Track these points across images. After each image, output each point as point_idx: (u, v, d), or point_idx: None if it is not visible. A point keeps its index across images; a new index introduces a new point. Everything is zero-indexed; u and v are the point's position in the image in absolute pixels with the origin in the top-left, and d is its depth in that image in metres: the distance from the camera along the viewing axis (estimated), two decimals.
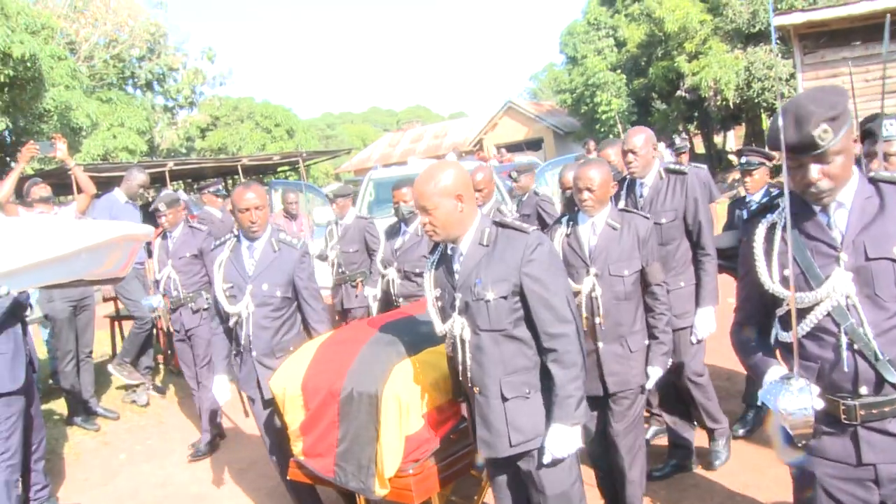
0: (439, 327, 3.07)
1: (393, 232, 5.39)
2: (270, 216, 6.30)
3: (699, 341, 4.45)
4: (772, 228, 2.32)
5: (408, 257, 5.16)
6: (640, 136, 4.35)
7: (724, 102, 21.06)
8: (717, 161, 24.59)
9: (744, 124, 24.67)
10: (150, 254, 6.50)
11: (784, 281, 2.22)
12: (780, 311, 2.32)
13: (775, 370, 2.28)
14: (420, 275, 4.75)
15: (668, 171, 4.43)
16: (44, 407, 6.67)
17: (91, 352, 6.54)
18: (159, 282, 5.98)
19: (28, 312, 5.01)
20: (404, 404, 3.40)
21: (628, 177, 4.53)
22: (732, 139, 29.73)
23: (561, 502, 2.94)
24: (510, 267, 2.83)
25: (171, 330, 6.14)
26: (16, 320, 4.37)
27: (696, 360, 4.49)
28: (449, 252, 3.03)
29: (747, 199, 5.04)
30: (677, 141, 8.55)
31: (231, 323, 4.15)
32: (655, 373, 3.79)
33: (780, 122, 2.08)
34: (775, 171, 6.52)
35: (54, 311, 6.17)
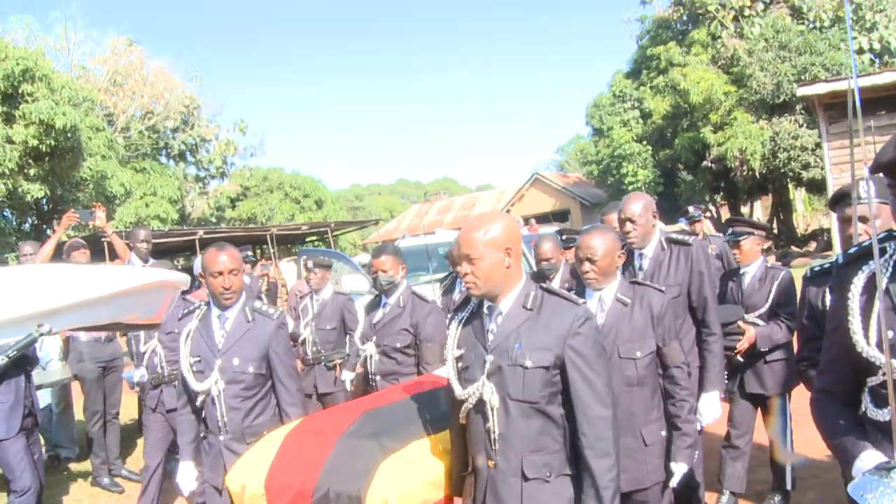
0: (459, 391, 2.75)
1: (373, 306, 4.79)
2: (296, 283, 6.31)
3: (700, 430, 3.98)
4: (872, 279, 1.90)
5: (388, 331, 4.54)
6: (639, 203, 3.94)
7: (750, 172, 21.14)
8: None
9: (770, 194, 24.66)
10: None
11: (881, 345, 1.82)
12: (872, 381, 1.93)
13: (870, 456, 1.83)
14: (400, 350, 4.43)
15: (671, 241, 4.05)
16: (73, 466, 6.67)
17: (118, 413, 6.55)
18: (144, 354, 5.49)
19: (38, 366, 5.12)
20: None
21: (626, 247, 4.13)
22: (759, 209, 29.69)
23: None
24: (555, 337, 2.59)
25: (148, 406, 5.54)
26: (19, 371, 4.57)
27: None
28: (485, 311, 2.75)
29: (741, 271, 4.78)
30: (690, 210, 8.39)
31: (198, 402, 3.68)
32: (680, 469, 3.32)
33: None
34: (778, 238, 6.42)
35: (83, 372, 6.21)
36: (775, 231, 23.87)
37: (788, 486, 4.57)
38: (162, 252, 14.21)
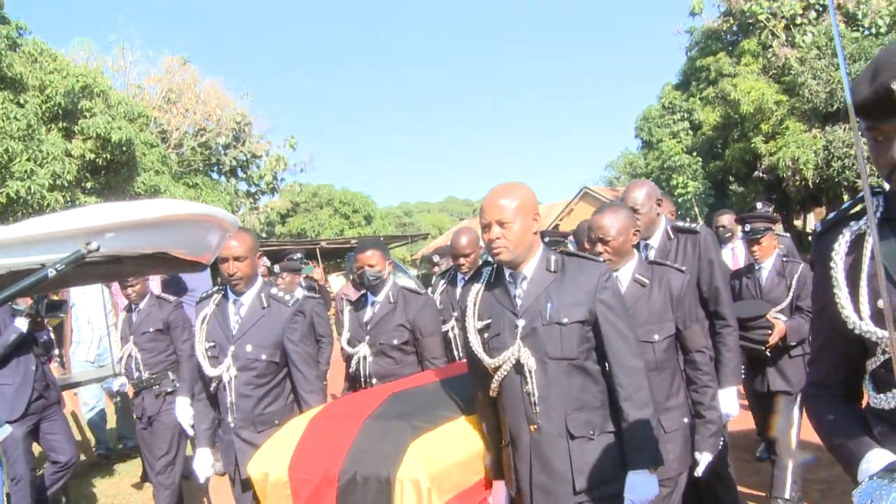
0: (489, 360, 2.75)
1: (359, 305, 4.49)
2: (329, 281, 6.37)
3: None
4: (858, 241, 1.61)
5: (382, 329, 4.24)
6: (641, 191, 3.78)
7: (803, 183, 20.69)
8: (797, 243, 24.00)
9: (824, 205, 24.10)
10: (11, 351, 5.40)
11: (878, 316, 1.51)
12: (872, 364, 1.60)
13: (876, 457, 1.51)
14: (397, 348, 4.20)
15: (677, 229, 3.87)
16: (119, 465, 6.79)
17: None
18: (121, 361, 5.35)
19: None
20: (425, 490, 2.72)
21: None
22: (813, 220, 29.03)
23: None
24: (585, 292, 2.65)
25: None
26: (27, 351, 4.81)
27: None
28: (507, 279, 2.77)
29: (757, 268, 4.69)
30: (759, 206, 7.86)
31: (212, 388, 3.67)
32: (705, 458, 3.23)
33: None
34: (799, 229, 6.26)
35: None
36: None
37: (787, 495, 4.37)
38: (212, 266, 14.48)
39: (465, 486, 2.95)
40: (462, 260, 4.91)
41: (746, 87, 21.83)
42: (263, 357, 3.55)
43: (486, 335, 2.79)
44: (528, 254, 2.71)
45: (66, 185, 13.90)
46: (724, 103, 23.25)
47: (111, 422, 7.53)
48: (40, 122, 14.05)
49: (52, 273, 1.53)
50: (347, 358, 4.36)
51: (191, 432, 4.64)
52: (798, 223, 27.14)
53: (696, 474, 3.26)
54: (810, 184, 20.67)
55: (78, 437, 7.07)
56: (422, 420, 3.01)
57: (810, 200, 23.85)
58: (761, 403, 4.70)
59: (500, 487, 2.94)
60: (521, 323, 2.69)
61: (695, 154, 25.28)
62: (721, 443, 3.41)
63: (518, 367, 2.69)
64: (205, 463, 3.75)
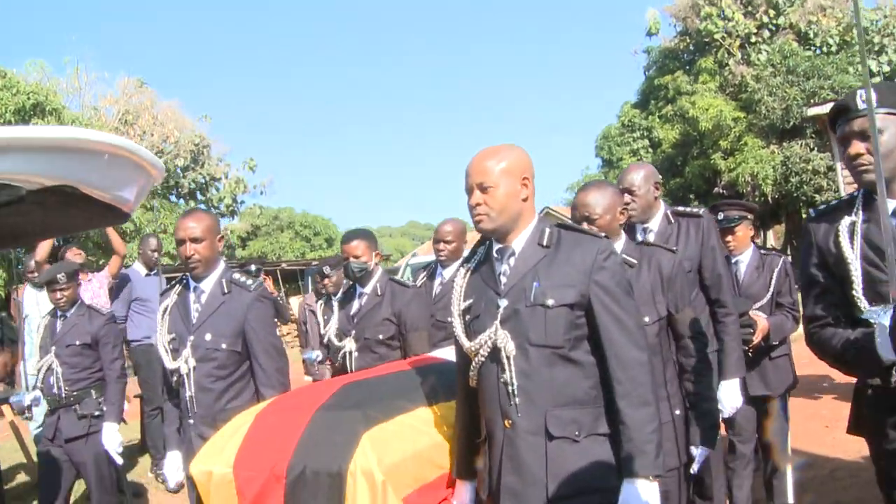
0: (467, 343, 2.46)
1: (347, 298, 4.29)
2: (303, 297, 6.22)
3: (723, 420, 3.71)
4: (852, 228, 2.13)
5: (368, 323, 4.05)
6: (638, 173, 3.61)
7: (762, 198, 20.96)
8: None
9: (784, 222, 24.45)
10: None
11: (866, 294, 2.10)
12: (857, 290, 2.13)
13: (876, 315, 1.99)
14: (383, 343, 4.00)
15: (678, 213, 3.70)
16: None
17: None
18: (38, 373, 4.79)
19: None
20: (379, 484, 2.49)
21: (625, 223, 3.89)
22: (772, 238, 29.42)
23: None
24: (578, 272, 2.32)
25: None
26: None
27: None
28: (494, 254, 2.47)
29: (733, 261, 4.33)
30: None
31: (174, 384, 3.40)
32: (702, 453, 3.03)
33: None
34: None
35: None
36: (790, 258, 23.58)
37: (790, 501, 4.19)
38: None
39: (426, 481, 2.69)
40: (442, 246, 4.68)
41: (704, 105, 22.16)
42: (224, 346, 3.28)
43: (467, 317, 2.49)
44: (516, 224, 2.40)
45: None
46: (683, 121, 23.57)
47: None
48: None
49: None
50: (334, 353, 4.17)
51: (120, 461, 4.54)
52: (758, 241, 27.43)
53: (691, 471, 3.03)
54: (769, 199, 20.95)
55: (20, 457, 6.77)
56: (377, 410, 2.75)
57: (770, 217, 24.15)
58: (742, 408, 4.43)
59: (462, 489, 2.64)
60: (503, 303, 2.37)
61: None
62: (719, 437, 3.19)
63: (495, 352, 2.37)
64: (175, 467, 3.45)
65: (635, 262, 3.00)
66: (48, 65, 23.11)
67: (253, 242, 33.29)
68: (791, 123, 20.42)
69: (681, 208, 3.77)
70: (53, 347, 4.71)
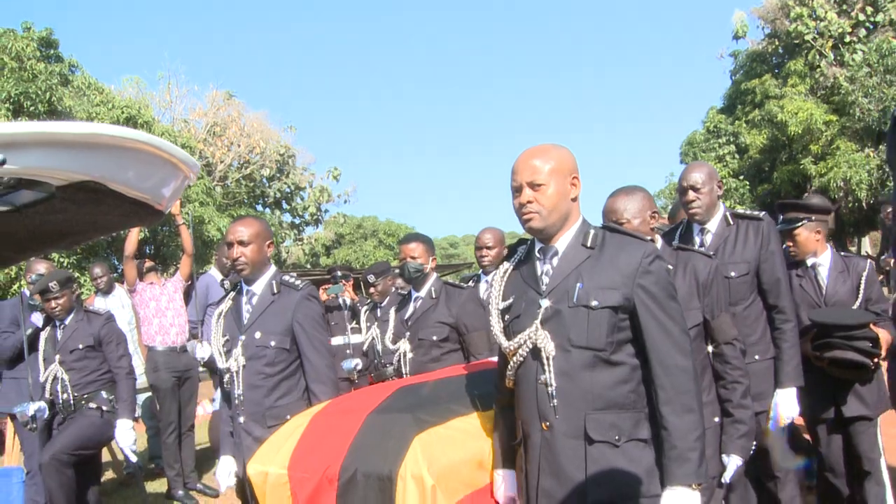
0: (505, 342, 2.46)
1: (402, 303, 4.34)
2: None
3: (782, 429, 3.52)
4: None
5: (423, 325, 4.10)
6: (702, 170, 3.53)
7: (856, 204, 20.11)
8: None
9: (880, 228, 23.38)
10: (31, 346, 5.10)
11: None
12: None
13: None
14: (437, 344, 4.01)
15: (737, 215, 3.61)
16: (147, 484, 6.67)
17: (193, 426, 6.49)
18: (45, 384, 4.75)
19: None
20: (429, 489, 2.49)
21: (683, 222, 3.73)
22: (868, 244, 28.15)
23: None
24: (623, 275, 2.30)
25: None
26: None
27: (780, 451, 3.64)
28: (537, 254, 2.46)
29: (810, 263, 3.93)
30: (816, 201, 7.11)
31: (226, 384, 3.47)
32: (733, 462, 2.94)
33: None
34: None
35: (158, 381, 6.20)
36: (886, 269, 22.55)
37: None
38: None
39: (478, 487, 2.65)
40: (485, 252, 4.87)
41: (794, 108, 21.41)
42: (272, 343, 3.34)
43: (507, 316, 2.48)
44: (563, 224, 2.38)
45: None
46: (771, 125, 22.84)
47: (142, 441, 7.45)
48: None
49: None
50: (388, 356, 4.24)
51: (134, 458, 4.54)
52: (853, 248, 26.32)
53: (723, 480, 2.94)
54: (864, 205, 20.07)
55: (107, 455, 7.01)
56: (429, 413, 2.75)
57: (865, 224, 23.14)
58: (828, 434, 3.95)
59: (502, 478, 2.61)
60: (544, 303, 2.35)
61: (742, 178, 24.85)
62: (753, 446, 3.07)
63: (535, 352, 2.35)
64: (227, 471, 3.47)
65: (671, 267, 2.90)
66: (143, 80, 24.22)
67: (337, 251, 33.91)
68: (888, 125, 19.52)
69: (740, 210, 3.67)
70: (57, 356, 4.72)
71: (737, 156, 25.39)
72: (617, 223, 2.89)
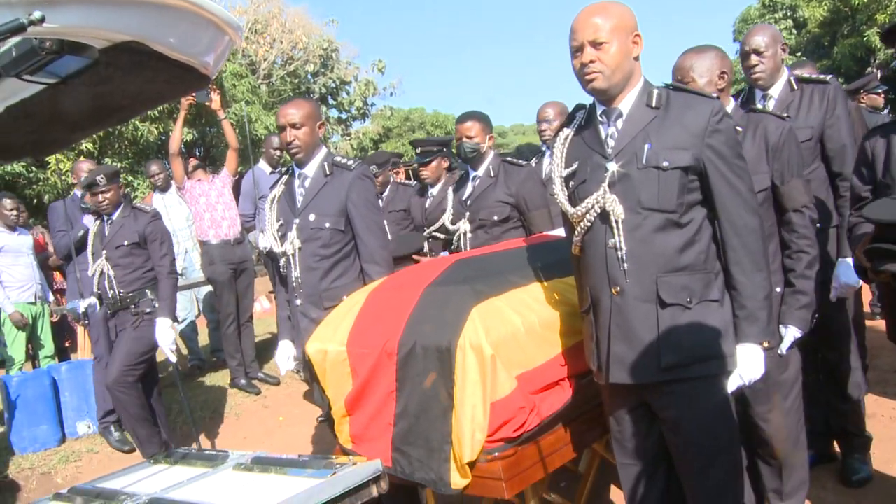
0: (571, 209, 2.41)
1: (459, 184, 4.26)
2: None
3: (839, 299, 3.43)
4: None
5: (482, 204, 4.02)
6: (766, 33, 3.40)
7: None
8: None
9: None
10: (81, 246, 5.39)
11: None
12: None
13: None
14: (498, 224, 3.97)
15: (802, 80, 3.48)
16: (210, 375, 7.04)
17: (251, 317, 6.73)
18: (93, 279, 4.90)
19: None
20: (489, 359, 2.45)
21: (746, 88, 3.63)
22: None
23: (714, 461, 2.34)
24: (692, 134, 2.26)
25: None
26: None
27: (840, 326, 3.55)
28: (599, 117, 2.39)
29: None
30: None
31: (282, 268, 3.51)
32: (790, 333, 2.84)
33: None
34: None
35: (215, 274, 6.41)
36: None
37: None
38: None
39: (540, 362, 2.64)
40: (545, 126, 4.80)
41: None
42: (327, 225, 3.37)
43: (571, 183, 2.44)
44: (626, 84, 2.32)
45: (157, 115, 14.21)
46: None
47: (203, 335, 7.81)
48: None
49: None
50: (449, 235, 4.27)
51: (174, 358, 4.68)
52: None
53: (779, 351, 2.84)
54: None
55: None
56: (487, 284, 2.71)
57: None
58: None
59: None
60: (611, 167, 2.31)
61: (799, 54, 23.74)
62: (813, 319, 2.91)
63: (603, 216, 2.32)
64: (286, 355, 3.57)
65: (740, 129, 2.79)
66: None
67: (385, 144, 33.74)
68: None
69: (806, 74, 3.56)
70: (104, 251, 4.82)
71: (794, 31, 24.23)
72: (682, 82, 2.82)
